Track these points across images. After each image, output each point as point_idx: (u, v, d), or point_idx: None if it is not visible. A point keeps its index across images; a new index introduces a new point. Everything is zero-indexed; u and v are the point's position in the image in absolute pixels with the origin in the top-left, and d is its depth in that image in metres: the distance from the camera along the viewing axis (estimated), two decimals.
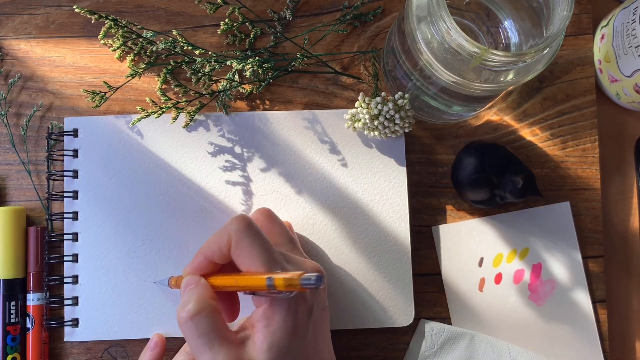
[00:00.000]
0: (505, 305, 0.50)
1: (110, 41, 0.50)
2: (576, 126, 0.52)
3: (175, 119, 0.48)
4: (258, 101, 0.51)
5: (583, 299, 0.50)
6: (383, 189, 0.49)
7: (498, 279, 0.50)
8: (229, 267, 0.40)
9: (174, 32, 0.50)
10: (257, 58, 0.49)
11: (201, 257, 0.40)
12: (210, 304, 0.37)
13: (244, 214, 0.39)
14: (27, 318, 0.48)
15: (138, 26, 0.50)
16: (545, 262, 0.50)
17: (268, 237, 0.41)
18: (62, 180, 0.49)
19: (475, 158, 0.48)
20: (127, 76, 0.49)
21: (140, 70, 0.49)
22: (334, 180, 0.49)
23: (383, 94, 0.47)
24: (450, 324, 0.50)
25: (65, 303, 0.48)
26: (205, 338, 0.36)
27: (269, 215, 0.44)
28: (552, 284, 0.50)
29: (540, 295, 0.50)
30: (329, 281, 0.48)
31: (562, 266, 0.50)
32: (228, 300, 0.42)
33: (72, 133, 0.49)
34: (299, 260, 0.40)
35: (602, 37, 0.51)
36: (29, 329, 0.48)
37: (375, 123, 0.47)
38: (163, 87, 0.50)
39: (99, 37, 0.50)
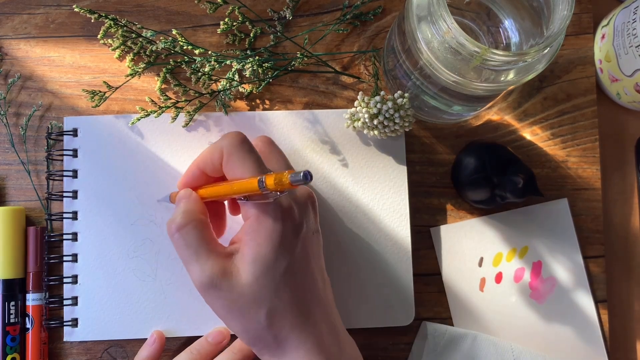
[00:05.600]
0: (507, 305, 0.50)
1: (109, 41, 0.50)
2: (577, 126, 0.52)
3: (175, 119, 0.48)
4: (258, 101, 0.51)
5: (584, 294, 0.50)
6: (383, 188, 0.49)
7: (498, 278, 0.50)
8: (222, 181, 0.41)
9: (174, 32, 0.50)
10: (257, 58, 0.49)
11: (194, 168, 0.41)
12: (197, 217, 0.39)
13: (239, 132, 0.39)
14: (27, 318, 0.48)
15: (138, 26, 0.50)
16: (545, 260, 0.50)
17: (265, 162, 0.42)
18: (62, 180, 0.49)
19: (475, 158, 0.48)
20: (127, 76, 0.49)
21: (139, 70, 0.49)
22: (334, 180, 0.49)
23: (382, 93, 0.47)
24: (451, 324, 0.50)
25: (64, 303, 0.47)
26: (192, 249, 0.38)
27: (268, 142, 0.44)
28: (552, 281, 0.50)
29: (542, 293, 0.50)
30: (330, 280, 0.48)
31: (562, 263, 0.50)
32: (216, 217, 0.43)
33: (71, 133, 0.49)
34: None
35: (603, 37, 0.51)
36: (28, 329, 0.48)
37: (375, 122, 0.47)
38: (163, 86, 0.50)
39: (99, 36, 0.50)
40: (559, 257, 0.50)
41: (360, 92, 0.48)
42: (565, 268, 0.50)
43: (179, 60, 0.50)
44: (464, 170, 0.48)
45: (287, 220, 0.38)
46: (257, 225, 0.37)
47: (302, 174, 0.33)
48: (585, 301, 0.50)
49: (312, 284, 0.39)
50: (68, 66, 0.51)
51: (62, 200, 0.48)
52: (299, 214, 0.39)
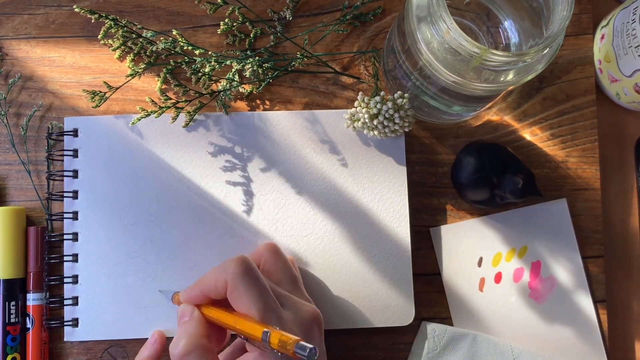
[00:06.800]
0: (506, 304, 0.50)
1: (110, 41, 0.50)
2: (576, 126, 0.52)
3: (175, 119, 0.48)
4: (258, 101, 0.51)
5: (583, 294, 0.50)
6: (383, 189, 0.49)
7: (498, 278, 0.50)
8: (225, 300, 0.40)
9: (174, 32, 0.50)
10: (257, 58, 0.49)
11: (198, 290, 0.40)
12: (201, 344, 0.38)
13: (244, 257, 0.38)
14: (27, 318, 0.48)
15: (138, 26, 0.50)
16: (544, 260, 0.50)
17: (270, 274, 0.41)
18: (62, 180, 0.49)
19: (475, 158, 0.48)
20: (127, 76, 0.49)
21: (140, 70, 0.49)
22: (334, 180, 0.49)
23: (382, 93, 0.47)
24: (451, 324, 0.50)
25: (65, 303, 0.48)
26: None
27: (273, 250, 0.43)
28: (552, 281, 0.50)
29: (541, 293, 0.50)
30: (329, 280, 0.48)
31: (561, 262, 0.50)
32: (218, 330, 0.42)
33: (72, 133, 0.49)
34: (297, 304, 0.40)
35: (602, 37, 0.51)
36: (28, 329, 0.48)
37: (375, 122, 0.47)
38: (163, 87, 0.50)
39: (99, 37, 0.50)
40: (558, 257, 0.50)
41: (360, 93, 0.48)
42: (565, 268, 0.50)
43: (179, 61, 0.50)
44: (464, 171, 0.48)
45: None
46: None
47: (308, 350, 0.32)
48: (585, 301, 0.50)
49: None
50: (68, 66, 0.51)
51: (62, 200, 0.48)
52: (303, 338, 0.37)
